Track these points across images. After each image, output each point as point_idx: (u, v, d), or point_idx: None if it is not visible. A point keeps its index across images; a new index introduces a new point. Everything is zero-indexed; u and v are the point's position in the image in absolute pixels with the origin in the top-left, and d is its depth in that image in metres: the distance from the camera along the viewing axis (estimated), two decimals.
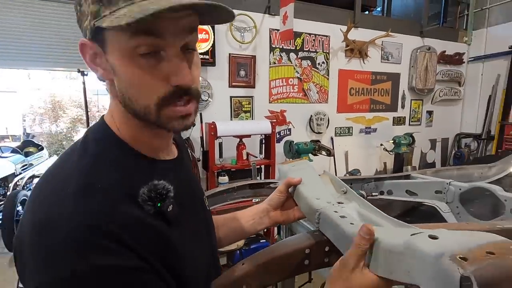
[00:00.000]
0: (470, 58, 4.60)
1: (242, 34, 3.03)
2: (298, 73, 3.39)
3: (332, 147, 3.62)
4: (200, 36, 2.74)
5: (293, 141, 2.95)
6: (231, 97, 3.08)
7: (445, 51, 4.37)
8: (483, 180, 1.77)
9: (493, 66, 4.32)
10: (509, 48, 4.05)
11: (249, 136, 2.84)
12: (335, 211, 0.56)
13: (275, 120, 3.14)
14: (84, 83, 2.85)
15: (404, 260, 0.36)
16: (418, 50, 4.10)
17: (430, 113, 4.50)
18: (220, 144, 2.72)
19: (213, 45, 2.82)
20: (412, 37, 4.10)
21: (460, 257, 0.27)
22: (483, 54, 4.42)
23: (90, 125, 0.53)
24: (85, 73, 2.76)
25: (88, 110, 2.98)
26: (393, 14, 4.71)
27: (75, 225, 0.37)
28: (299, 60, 3.37)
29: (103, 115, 0.51)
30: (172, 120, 0.45)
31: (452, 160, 4.65)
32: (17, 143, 6.01)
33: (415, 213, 1.71)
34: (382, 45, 3.87)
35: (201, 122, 2.86)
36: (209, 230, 0.62)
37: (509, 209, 1.27)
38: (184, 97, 0.45)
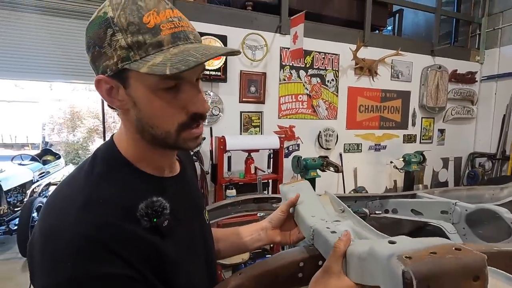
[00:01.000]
0: (483, 77, 4.56)
1: (254, 52, 3.13)
2: (307, 89, 3.45)
3: (340, 164, 3.62)
4: None
5: (301, 157, 2.97)
6: (241, 112, 3.16)
7: (456, 70, 4.35)
8: (494, 202, 1.73)
9: (507, 85, 4.27)
10: None
11: (257, 150, 2.89)
12: (327, 227, 0.60)
13: (283, 135, 3.18)
14: None
15: (368, 264, 0.40)
16: (429, 69, 4.10)
17: (442, 131, 4.44)
18: (229, 158, 2.78)
19: (225, 63, 2.94)
20: (423, 55, 4.12)
21: (405, 257, 0.31)
22: (496, 73, 4.38)
23: (104, 139, 0.59)
24: None
25: (105, 120, 3.11)
26: (404, 33, 4.76)
27: (74, 235, 0.42)
28: (309, 77, 3.44)
29: (112, 135, 0.57)
30: (188, 142, 0.53)
31: (466, 180, 4.53)
32: (37, 151, 6.27)
33: (421, 233, 1.69)
34: (392, 63, 3.90)
35: (211, 136, 2.94)
36: (206, 243, 0.65)
37: None
38: (200, 120, 0.53)
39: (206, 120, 2.96)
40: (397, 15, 4.69)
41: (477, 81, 4.56)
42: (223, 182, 2.72)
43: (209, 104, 2.95)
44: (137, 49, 0.45)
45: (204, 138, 2.86)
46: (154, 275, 0.46)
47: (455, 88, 4.39)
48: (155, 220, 0.48)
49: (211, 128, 2.96)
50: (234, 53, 0.52)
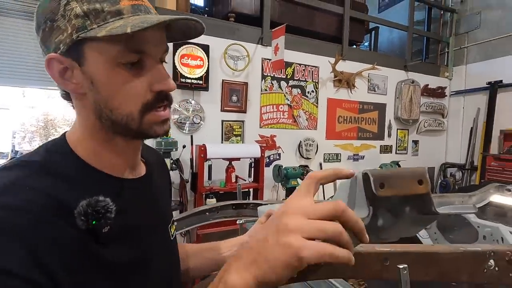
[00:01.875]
0: (452, 92, 4.86)
1: (236, 62, 3.17)
2: (288, 100, 3.52)
3: None
4: (195, 62, 2.87)
5: (282, 166, 3.00)
6: (222, 120, 3.16)
7: (428, 85, 4.61)
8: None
9: (474, 100, 4.56)
10: (487, 84, 4.31)
11: (238, 159, 2.88)
12: None
13: (265, 145, 3.20)
14: None
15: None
16: (403, 83, 4.32)
17: (415, 142, 4.65)
18: (210, 166, 2.75)
19: (207, 71, 2.95)
20: (397, 70, 4.34)
21: (364, 172, 0.39)
22: (463, 88, 4.68)
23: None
24: None
25: None
26: (379, 49, 5.01)
27: None
28: (290, 88, 3.52)
29: (65, 132, 0.50)
30: (154, 125, 0.48)
31: (439, 189, 4.73)
32: (3, 160, 5.90)
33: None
34: (368, 77, 4.08)
35: (192, 144, 2.91)
36: (167, 260, 0.58)
37: (482, 235, 1.31)
38: (165, 101, 0.48)
39: (187, 127, 2.94)
40: (373, 32, 4.95)
41: (446, 96, 4.84)
42: (203, 191, 2.68)
43: (190, 112, 2.94)
44: (94, 17, 0.42)
45: (184, 146, 2.82)
46: (77, 283, 0.38)
47: (427, 101, 4.64)
48: (94, 222, 0.41)
49: (191, 136, 2.93)
50: (198, 23, 0.48)
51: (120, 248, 0.45)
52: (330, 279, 0.98)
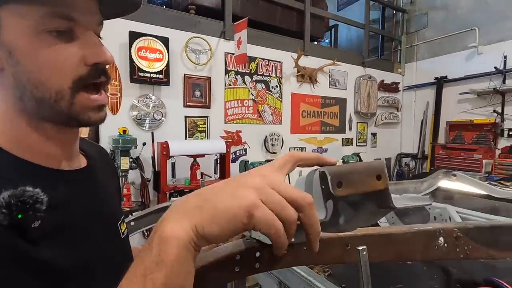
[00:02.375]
0: (404, 87, 5.21)
1: (198, 56, 3.08)
2: (253, 95, 3.51)
3: None
4: (153, 55, 2.73)
5: (249, 161, 2.99)
6: (185, 116, 3.05)
7: (383, 80, 4.90)
8: (417, 193, 1.96)
9: (423, 94, 4.94)
10: (434, 79, 4.69)
11: (203, 155, 2.81)
12: None
13: (230, 140, 3.16)
14: None
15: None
16: (361, 78, 4.54)
17: (374, 135, 4.92)
18: (173, 164, 2.65)
19: (167, 65, 2.82)
20: (356, 66, 4.55)
21: (321, 171, 0.37)
22: (414, 84, 5.05)
23: None
24: None
25: None
26: (339, 45, 5.21)
27: None
28: (254, 83, 3.51)
29: None
30: (87, 111, 0.42)
31: (395, 177, 5.07)
32: None
33: None
34: (329, 72, 4.22)
35: (153, 141, 2.78)
36: (116, 261, 0.50)
37: (433, 216, 1.42)
38: (102, 76, 0.42)
39: (147, 124, 2.79)
40: (333, 29, 5.13)
41: (400, 90, 5.19)
42: (167, 190, 2.58)
43: (150, 108, 2.80)
44: None
45: (144, 143, 2.68)
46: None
47: (383, 96, 4.93)
48: (19, 216, 0.34)
49: (152, 133, 2.79)
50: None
51: (56, 248, 0.39)
52: (294, 267, 0.98)
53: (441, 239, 0.76)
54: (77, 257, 0.41)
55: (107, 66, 0.43)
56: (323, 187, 0.35)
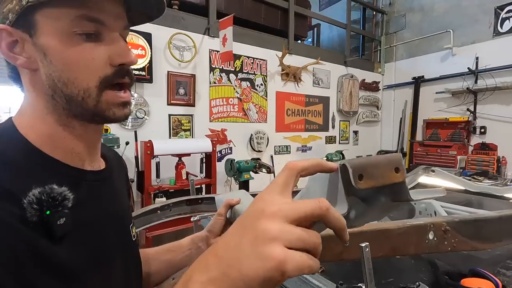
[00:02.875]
0: (384, 86, 5.38)
1: (182, 53, 3.02)
2: (238, 93, 3.49)
3: (272, 165, 3.75)
4: (135, 51, 2.64)
5: (234, 160, 2.97)
6: (169, 115, 2.99)
7: (364, 79, 5.03)
8: None
9: (402, 93, 5.12)
10: (412, 79, 4.87)
11: (188, 155, 2.77)
12: None
13: (216, 139, 3.13)
14: None
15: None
16: (343, 77, 4.63)
17: (356, 132, 5.05)
18: (158, 164, 2.59)
19: (150, 62, 2.75)
20: (338, 65, 4.63)
21: (341, 164, 0.37)
22: (393, 83, 5.22)
23: None
24: None
25: None
26: (322, 45, 5.29)
27: None
28: (239, 81, 3.49)
29: (10, 117, 0.44)
30: (113, 107, 0.44)
31: None
32: None
33: None
34: (313, 71, 4.27)
35: (136, 140, 2.70)
36: (128, 263, 0.52)
37: (418, 211, 1.47)
38: (126, 77, 0.45)
39: (130, 122, 2.71)
40: (316, 28, 5.19)
41: (380, 90, 5.34)
42: (151, 191, 2.51)
43: (132, 106, 2.71)
44: None
45: (127, 143, 2.60)
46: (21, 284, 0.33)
47: (364, 95, 5.06)
48: (48, 212, 0.36)
49: (135, 132, 2.71)
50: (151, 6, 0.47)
51: (75, 246, 0.40)
52: None
53: (432, 233, 0.79)
54: (94, 257, 0.42)
55: (131, 67, 0.46)
56: (344, 180, 0.34)
